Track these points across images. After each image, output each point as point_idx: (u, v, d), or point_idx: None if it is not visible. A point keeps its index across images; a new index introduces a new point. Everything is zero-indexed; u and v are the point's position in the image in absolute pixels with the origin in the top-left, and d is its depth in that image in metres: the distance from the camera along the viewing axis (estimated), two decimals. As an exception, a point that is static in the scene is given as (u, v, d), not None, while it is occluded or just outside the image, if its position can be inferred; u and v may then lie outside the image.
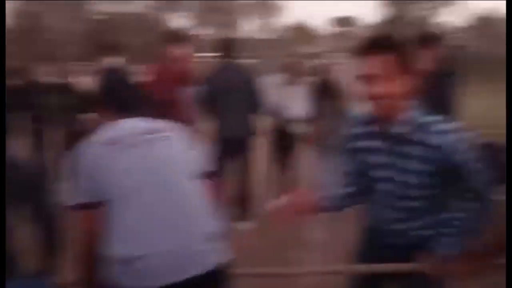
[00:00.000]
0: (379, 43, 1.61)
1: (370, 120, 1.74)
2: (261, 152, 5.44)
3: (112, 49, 5.05)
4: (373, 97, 1.63)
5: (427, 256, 1.74)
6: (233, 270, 1.74)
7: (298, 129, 4.99)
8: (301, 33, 58.40)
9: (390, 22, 47.89)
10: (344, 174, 1.88)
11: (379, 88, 1.60)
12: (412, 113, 1.64)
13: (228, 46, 4.44)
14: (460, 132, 1.63)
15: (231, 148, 4.40)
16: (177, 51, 4.49)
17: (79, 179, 1.66)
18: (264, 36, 62.29)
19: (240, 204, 4.56)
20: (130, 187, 1.60)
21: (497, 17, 48.46)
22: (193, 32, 56.86)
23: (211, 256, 1.64)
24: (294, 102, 4.88)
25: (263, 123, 5.12)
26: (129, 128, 1.76)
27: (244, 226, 4.45)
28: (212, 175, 1.88)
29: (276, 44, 60.96)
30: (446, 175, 1.66)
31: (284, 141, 5.00)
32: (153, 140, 1.72)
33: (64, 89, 5.35)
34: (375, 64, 1.60)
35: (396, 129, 1.65)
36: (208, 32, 48.87)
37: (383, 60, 1.58)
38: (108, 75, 5.04)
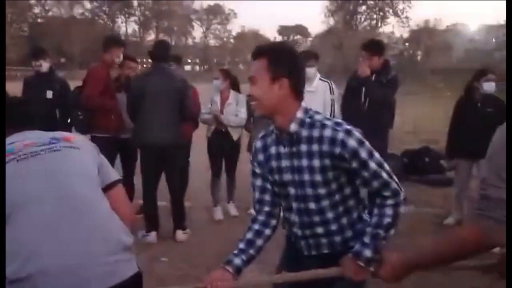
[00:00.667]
0: (256, 50, 1.71)
1: (273, 128, 1.81)
2: (199, 159, 5.40)
3: (41, 53, 4.85)
4: (250, 98, 1.74)
5: (348, 261, 1.70)
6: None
7: (237, 135, 4.83)
8: (252, 40, 58.89)
9: (337, 31, 49.21)
10: (258, 192, 1.86)
11: (252, 90, 1.71)
12: (300, 113, 1.69)
13: (159, 51, 4.20)
14: (348, 127, 1.66)
15: (156, 156, 4.14)
16: (111, 56, 4.37)
17: None
18: (214, 42, 62.42)
19: (174, 213, 4.34)
20: (22, 201, 1.48)
21: (438, 28, 50.98)
22: (138, 37, 56.08)
23: (118, 269, 1.52)
24: (235, 108, 4.74)
25: (201, 130, 5.01)
26: (30, 137, 1.64)
27: (181, 236, 4.34)
28: (119, 184, 1.75)
29: (226, 51, 61.16)
30: (348, 171, 1.68)
31: (223, 148, 4.84)
32: (56, 148, 1.61)
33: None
34: (252, 68, 1.71)
35: (286, 131, 1.72)
36: (154, 38, 48.28)
37: (256, 64, 1.68)
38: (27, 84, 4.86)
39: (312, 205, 1.74)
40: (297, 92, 1.70)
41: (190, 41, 59.98)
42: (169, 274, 3.54)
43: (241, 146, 4.99)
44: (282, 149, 1.74)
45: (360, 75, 4.26)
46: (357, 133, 1.65)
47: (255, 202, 1.88)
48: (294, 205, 1.77)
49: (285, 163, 1.73)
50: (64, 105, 4.70)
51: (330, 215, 1.74)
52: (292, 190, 1.75)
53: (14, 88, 5.15)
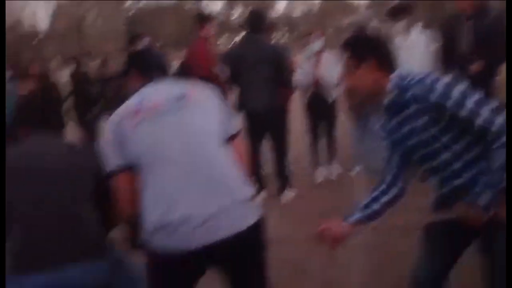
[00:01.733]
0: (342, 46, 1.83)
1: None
2: (298, 123, 5.43)
3: (136, 37, 5.08)
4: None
5: (466, 206, 1.68)
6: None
7: (334, 96, 4.85)
8: (338, 4, 56.98)
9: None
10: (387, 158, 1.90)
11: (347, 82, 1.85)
12: (395, 80, 1.74)
13: (253, 20, 4.27)
14: (435, 76, 1.68)
15: (257, 122, 4.31)
16: (206, 31, 4.58)
17: (109, 146, 1.72)
18: (298, 11, 61.20)
19: (278, 177, 4.55)
20: (161, 154, 1.64)
21: None
22: (224, 14, 56.86)
23: (244, 217, 1.66)
24: (329, 69, 4.71)
25: (297, 95, 5.02)
26: (158, 94, 1.77)
27: (287, 196, 4.46)
28: (239, 135, 1.87)
29: (313, 18, 59.82)
30: (453, 118, 1.65)
31: (321, 110, 4.88)
32: (184, 105, 1.73)
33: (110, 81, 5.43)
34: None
35: (387, 101, 1.77)
36: (240, 13, 48.56)
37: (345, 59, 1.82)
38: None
39: (435, 162, 1.76)
40: (386, 67, 1.76)
41: (274, 13, 59.52)
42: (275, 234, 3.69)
43: (337, 106, 4.98)
44: (398, 118, 1.78)
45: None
46: (445, 79, 1.66)
47: (381, 172, 1.93)
48: (426, 166, 1.81)
49: (403, 129, 1.78)
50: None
51: (457, 165, 1.73)
52: (416, 154, 1.79)
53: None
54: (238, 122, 1.93)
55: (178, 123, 1.70)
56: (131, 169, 1.69)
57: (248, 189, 1.73)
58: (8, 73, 5.36)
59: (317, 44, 4.78)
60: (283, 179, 4.52)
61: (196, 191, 1.62)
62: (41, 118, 2.03)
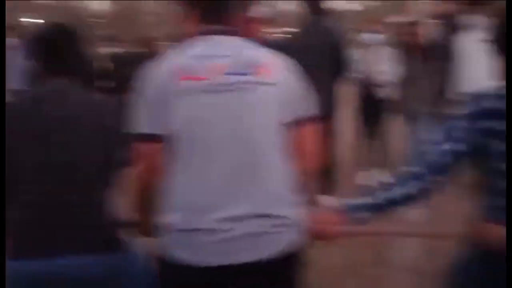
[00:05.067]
0: None
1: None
2: (346, 121, 4.98)
3: None
4: None
5: None
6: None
7: (386, 94, 4.47)
8: (391, 2, 55.33)
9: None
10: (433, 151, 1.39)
11: None
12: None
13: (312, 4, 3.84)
14: None
15: None
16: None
17: (142, 107, 1.35)
18: (350, 7, 59.51)
19: (322, 177, 4.33)
20: (198, 137, 1.30)
21: None
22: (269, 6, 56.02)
23: (285, 236, 1.34)
24: (381, 65, 4.41)
25: (349, 90, 4.61)
26: (215, 59, 1.34)
27: (328, 200, 4.22)
28: (314, 121, 1.46)
29: (364, 14, 58.04)
30: None
31: (371, 108, 4.55)
32: (242, 90, 1.33)
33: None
34: None
35: None
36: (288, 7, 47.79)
37: None
38: None
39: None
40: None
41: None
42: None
43: (390, 106, 4.62)
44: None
45: None
46: None
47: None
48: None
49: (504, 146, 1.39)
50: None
51: None
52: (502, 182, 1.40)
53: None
54: (314, 105, 1.47)
55: (235, 110, 1.32)
56: (161, 140, 1.34)
57: (294, 209, 1.38)
58: None
59: (376, 37, 4.50)
60: (328, 180, 4.25)
61: (232, 193, 1.31)
62: (62, 61, 1.58)
